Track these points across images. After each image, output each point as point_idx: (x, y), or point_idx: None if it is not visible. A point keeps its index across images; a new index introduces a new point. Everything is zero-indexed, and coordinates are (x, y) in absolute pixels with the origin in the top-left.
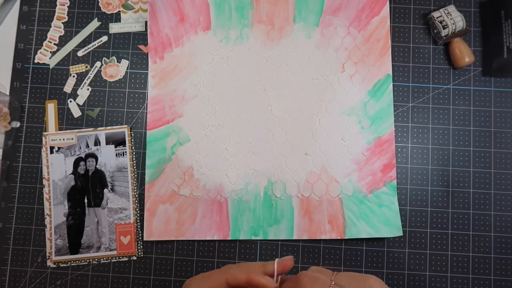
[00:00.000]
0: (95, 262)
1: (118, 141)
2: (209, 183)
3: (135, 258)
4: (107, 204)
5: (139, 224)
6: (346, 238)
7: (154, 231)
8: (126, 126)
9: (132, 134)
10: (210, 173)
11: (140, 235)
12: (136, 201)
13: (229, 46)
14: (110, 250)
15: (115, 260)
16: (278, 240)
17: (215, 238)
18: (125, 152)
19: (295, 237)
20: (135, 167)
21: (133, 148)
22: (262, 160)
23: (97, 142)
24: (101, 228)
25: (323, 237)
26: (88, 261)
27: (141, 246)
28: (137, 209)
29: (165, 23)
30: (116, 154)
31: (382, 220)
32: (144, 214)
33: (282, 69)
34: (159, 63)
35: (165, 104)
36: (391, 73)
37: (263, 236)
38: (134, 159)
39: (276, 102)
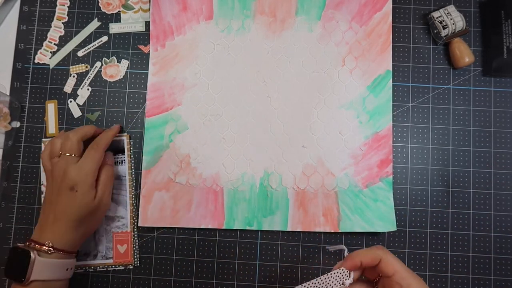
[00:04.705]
0: (91, 270)
1: (117, 149)
2: (205, 172)
3: (131, 267)
4: None
5: (136, 233)
6: (340, 231)
7: (149, 218)
8: (126, 134)
9: (131, 142)
10: (207, 162)
11: (137, 244)
12: (134, 210)
13: (230, 36)
14: (107, 259)
15: (111, 269)
16: (278, 241)
17: (209, 226)
18: (124, 160)
19: (289, 229)
20: (133, 176)
21: (131, 156)
22: (259, 151)
23: None
24: (98, 236)
25: (317, 230)
26: (84, 268)
27: (137, 255)
28: (134, 218)
29: (168, 11)
30: (115, 163)
31: (377, 215)
32: (140, 200)
33: (282, 61)
34: (160, 51)
35: (165, 92)
36: (391, 69)
37: (257, 226)
38: (132, 167)
39: (275, 94)
